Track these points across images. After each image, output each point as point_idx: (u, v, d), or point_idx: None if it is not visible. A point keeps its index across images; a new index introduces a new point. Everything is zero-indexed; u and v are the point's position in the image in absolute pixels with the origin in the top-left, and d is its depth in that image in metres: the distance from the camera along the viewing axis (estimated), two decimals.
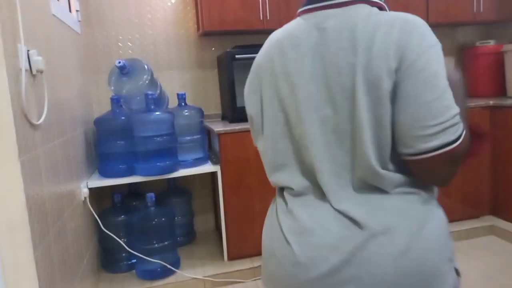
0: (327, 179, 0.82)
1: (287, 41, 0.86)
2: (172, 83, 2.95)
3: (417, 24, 0.75)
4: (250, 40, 3.04)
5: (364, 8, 0.80)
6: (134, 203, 2.66)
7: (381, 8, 0.82)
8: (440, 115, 0.72)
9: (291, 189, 0.88)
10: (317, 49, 0.81)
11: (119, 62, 2.23)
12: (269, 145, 0.91)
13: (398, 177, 0.79)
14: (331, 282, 0.77)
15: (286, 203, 0.90)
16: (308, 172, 0.86)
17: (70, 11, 2.36)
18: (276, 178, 0.94)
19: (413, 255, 0.75)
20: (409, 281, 0.74)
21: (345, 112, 0.79)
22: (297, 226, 0.83)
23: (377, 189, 0.80)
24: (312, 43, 0.82)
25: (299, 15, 0.90)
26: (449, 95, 0.73)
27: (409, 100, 0.74)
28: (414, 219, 0.77)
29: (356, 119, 0.77)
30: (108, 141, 2.34)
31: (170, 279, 2.33)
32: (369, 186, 0.80)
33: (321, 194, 0.83)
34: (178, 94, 2.52)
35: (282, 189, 0.95)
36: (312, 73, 0.81)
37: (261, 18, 2.68)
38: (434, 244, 0.77)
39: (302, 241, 0.81)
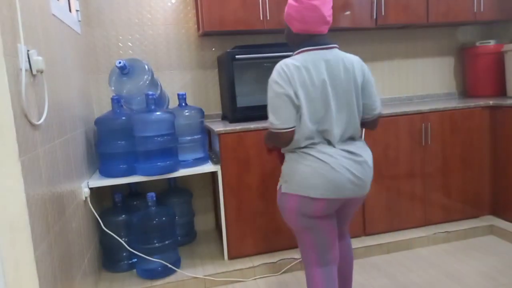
0: (336, 135, 1.56)
1: (310, 64, 1.52)
2: (173, 83, 2.96)
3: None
4: (250, 40, 3.05)
5: (337, 50, 1.59)
6: (134, 203, 2.67)
7: (338, 49, 1.61)
8: (378, 100, 1.67)
9: (316, 142, 1.56)
10: (328, 70, 1.54)
11: (120, 62, 2.23)
12: (306, 118, 1.52)
13: (360, 132, 1.68)
14: (353, 179, 1.53)
15: (313, 149, 1.55)
16: (324, 133, 1.57)
17: (70, 11, 2.36)
18: (308, 137, 1.55)
19: (372, 168, 1.62)
20: (371, 176, 1.61)
21: (343, 101, 1.57)
22: (325, 156, 1.53)
23: (354, 139, 1.63)
24: (324, 67, 1.54)
25: (303, 52, 1.56)
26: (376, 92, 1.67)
27: (368, 94, 1.63)
28: (369, 152, 1.64)
29: (350, 104, 1.58)
30: (108, 141, 2.34)
31: (171, 279, 2.34)
32: (351, 138, 1.62)
33: (329, 143, 1.57)
34: (178, 94, 2.52)
35: (304, 147, 1.56)
36: (328, 81, 1.54)
37: (261, 18, 2.68)
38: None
39: (333, 161, 1.52)
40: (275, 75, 1.52)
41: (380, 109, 1.68)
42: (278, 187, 1.65)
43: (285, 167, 1.61)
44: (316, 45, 1.55)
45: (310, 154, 1.54)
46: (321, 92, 1.51)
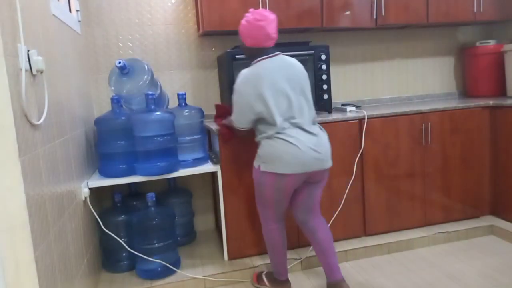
0: (299, 121, 1.97)
1: (268, 70, 1.94)
2: (172, 83, 2.96)
3: None
4: None
5: (281, 55, 2.02)
6: (134, 203, 2.67)
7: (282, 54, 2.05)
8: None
9: (285, 128, 1.95)
10: (281, 70, 1.96)
11: (119, 62, 2.23)
12: (275, 111, 1.92)
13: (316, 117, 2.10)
14: (316, 154, 1.94)
15: (284, 134, 1.93)
16: (290, 120, 1.96)
17: (70, 11, 2.36)
18: (279, 126, 1.93)
19: (329, 144, 2.02)
20: (329, 151, 2.01)
21: (298, 91, 1.99)
22: (293, 139, 1.92)
23: (313, 123, 2.04)
24: (277, 69, 1.96)
25: (259, 61, 1.98)
26: None
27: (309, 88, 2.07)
28: (325, 133, 2.06)
29: (304, 93, 2.01)
30: (108, 141, 2.34)
31: (171, 279, 2.34)
32: (311, 122, 2.02)
33: (295, 127, 1.96)
34: (178, 94, 2.52)
35: (277, 133, 1.94)
36: (283, 79, 1.95)
37: None
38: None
39: (299, 143, 1.92)
40: (239, 83, 1.96)
41: None
42: (256, 166, 2.03)
43: (262, 151, 1.98)
44: (266, 55, 1.98)
45: (282, 139, 1.93)
46: (280, 88, 1.93)
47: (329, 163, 2.01)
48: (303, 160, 1.91)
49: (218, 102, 3.05)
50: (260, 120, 1.98)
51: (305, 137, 1.94)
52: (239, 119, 2.01)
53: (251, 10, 1.97)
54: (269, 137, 1.96)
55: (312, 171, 1.95)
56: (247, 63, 2.66)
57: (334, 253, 2.15)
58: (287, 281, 2.26)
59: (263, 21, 1.90)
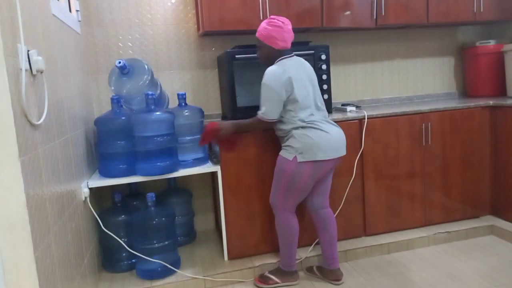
0: (321, 111, 2.23)
1: (293, 67, 2.15)
2: (172, 83, 2.96)
3: None
4: (250, 40, 3.04)
5: (297, 57, 2.24)
6: (134, 203, 2.67)
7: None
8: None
9: (311, 119, 2.16)
10: (301, 67, 2.20)
11: (119, 62, 2.23)
12: (305, 103, 2.15)
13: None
14: (341, 141, 2.19)
15: (313, 123, 2.13)
16: (316, 110, 2.21)
17: (70, 11, 2.36)
18: (308, 116, 2.16)
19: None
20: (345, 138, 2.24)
21: (316, 88, 2.25)
22: (323, 126, 2.14)
23: (327, 114, 2.30)
24: (301, 67, 2.20)
25: (282, 59, 2.18)
26: None
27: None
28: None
29: (318, 90, 2.27)
30: (108, 141, 2.34)
31: (170, 279, 2.34)
32: (327, 112, 2.30)
33: (322, 117, 2.21)
34: (178, 94, 2.52)
35: (306, 122, 2.13)
36: (304, 74, 2.19)
37: (261, 18, 2.68)
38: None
39: (329, 129, 2.15)
40: (270, 79, 2.10)
41: None
42: (289, 158, 2.12)
43: (297, 142, 2.11)
44: (286, 55, 2.19)
45: (315, 128, 2.11)
46: (304, 83, 2.16)
47: (345, 150, 2.24)
48: (335, 145, 2.14)
49: (218, 101, 3.05)
50: (288, 113, 2.14)
51: (330, 126, 2.17)
52: (271, 111, 2.12)
53: (273, 16, 2.16)
54: (302, 128, 2.12)
55: (340, 156, 2.19)
56: (247, 63, 2.67)
57: (337, 243, 2.34)
58: (296, 271, 2.36)
59: (289, 25, 2.15)
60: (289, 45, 2.18)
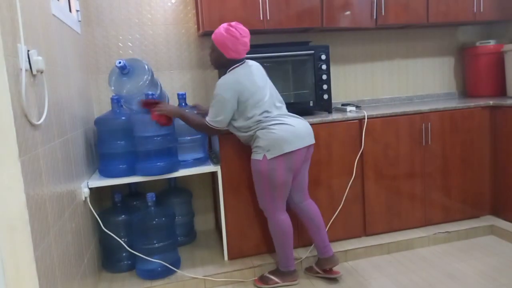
0: (283, 108, 2.28)
1: (246, 74, 2.18)
2: (172, 83, 2.96)
3: None
4: (251, 40, 3.04)
5: (249, 61, 2.27)
6: (134, 203, 2.67)
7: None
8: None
9: (269, 116, 2.18)
10: (255, 71, 2.22)
11: (120, 62, 2.23)
12: (257, 104, 2.17)
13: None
14: (306, 130, 2.21)
15: (273, 119, 2.16)
16: (275, 108, 2.24)
17: (70, 11, 2.36)
18: (269, 115, 2.19)
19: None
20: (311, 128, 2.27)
21: (271, 87, 2.27)
22: (287, 120, 2.18)
23: (285, 108, 2.31)
24: (253, 70, 2.22)
25: (235, 68, 2.20)
26: None
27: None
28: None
29: (274, 89, 2.30)
30: (108, 141, 2.34)
31: (171, 279, 2.34)
32: (285, 107, 2.31)
33: (283, 113, 2.24)
34: (178, 94, 2.52)
35: (267, 121, 2.16)
36: (259, 79, 2.22)
37: (261, 18, 2.68)
38: None
39: (290, 121, 2.17)
40: (222, 89, 2.11)
41: None
42: (259, 158, 2.14)
43: (263, 141, 2.13)
44: (238, 63, 2.20)
45: (278, 123, 2.13)
46: (258, 86, 2.18)
47: (313, 139, 2.26)
48: (300, 135, 2.15)
49: None
50: (248, 120, 2.16)
51: (292, 118, 2.20)
52: (220, 121, 2.16)
53: (232, 23, 2.13)
54: (264, 127, 2.14)
55: (308, 144, 2.20)
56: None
57: (325, 229, 2.37)
58: (295, 271, 2.36)
59: (247, 37, 2.14)
60: (241, 56, 2.18)
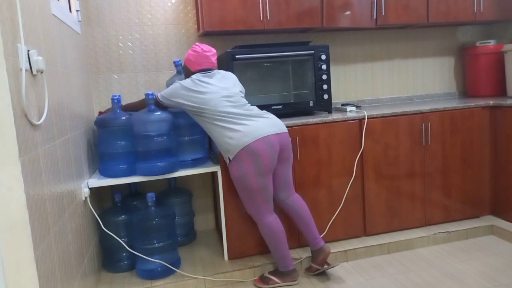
0: (248, 112, 2.22)
1: (209, 82, 2.24)
2: None
3: None
4: (251, 40, 3.05)
5: (216, 70, 2.34)
6: (134, 203, 2.67)
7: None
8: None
9: (228, 116, 2.18)
10: (221, 79, 2.28)
11: (179, 61, 2.63)
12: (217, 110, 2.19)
13: None
14: (269, 121, 2.21)
15: (228, 121, 2.17)
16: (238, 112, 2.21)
17: (70, 11, 2.36)
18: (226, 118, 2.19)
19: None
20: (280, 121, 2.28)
21: (242, 92, 2.32)
22: (245, 121, 2.16)
23: (252, 109, 2.27)
24: (222, 79, 2.29)
25: (197, 74, 2.29)
26: None
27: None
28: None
29: (241, 93, 2.31)
30: (108, 141, 2.34)
31: (171, 279, 2.34)
32: (257, 111, 2.26)
33: (244, 116, 2.20)
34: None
35: (221, 124, 2.17)
36: (218, 83, 2.25)
37: (261, 18, 2.68)
38: None
39: (250, 122, 2.17)
40: (184, 83, 2.22)
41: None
42: (228, 161, 2.19)
43: (223, 145, 2.16)
44: (207, 72, 2.30)
45: (234, 123, 2.15)
46: (221, 96, 2.19)
47: (285, 127, 2.24)
48: (259, 127, 2.13)
49: None
50: (218, 131, 2.18)
51: (253, 120, 2.17)
52: (165, 98, 2.26)
53: (197, 43, 2.33)
54: (223, 133, 2.16)
55: (274, 133, 2.15)
56: (247, 63, 2.67)
57: (313, 222, 2.38)
58: (295, 270, 2.34)
59: (209, 52, 2.30)
60: (203, 68, 2.30)
